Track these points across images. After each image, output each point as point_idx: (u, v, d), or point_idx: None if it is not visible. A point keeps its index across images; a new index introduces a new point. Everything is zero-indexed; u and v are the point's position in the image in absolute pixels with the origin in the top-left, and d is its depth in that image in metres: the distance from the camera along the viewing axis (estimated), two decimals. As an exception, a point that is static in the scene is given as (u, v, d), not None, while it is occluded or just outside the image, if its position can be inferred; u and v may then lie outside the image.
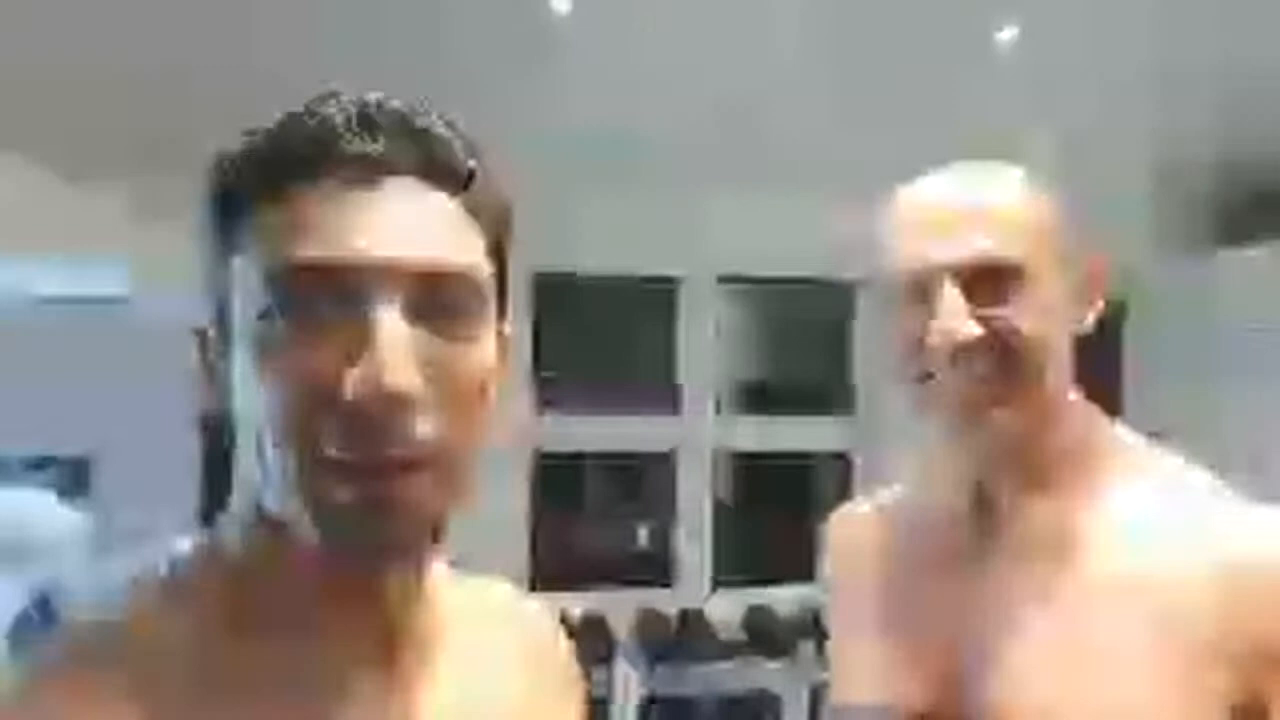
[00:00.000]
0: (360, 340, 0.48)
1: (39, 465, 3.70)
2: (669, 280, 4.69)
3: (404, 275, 0.49)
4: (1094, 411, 0.85)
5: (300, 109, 0.52)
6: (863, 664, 0.88)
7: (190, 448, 3.97)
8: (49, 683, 0.49)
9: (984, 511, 0.84)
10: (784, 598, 4.39)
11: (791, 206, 3.87)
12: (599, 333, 4.68)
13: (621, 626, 4.27)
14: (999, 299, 0.77)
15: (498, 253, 0.56)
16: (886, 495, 0.99)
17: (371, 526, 0.49)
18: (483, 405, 0.53)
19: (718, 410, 4.76)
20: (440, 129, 0.53)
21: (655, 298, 4.71)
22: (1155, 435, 0.84)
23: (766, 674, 4.08)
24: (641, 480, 4.84)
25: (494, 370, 0.55)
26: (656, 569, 4.71)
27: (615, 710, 3.63)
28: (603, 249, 4.37)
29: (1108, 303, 0.85)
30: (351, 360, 0.47)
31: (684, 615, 4.43)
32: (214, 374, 0.55)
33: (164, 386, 3.85)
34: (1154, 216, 4.31)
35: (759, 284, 4.84)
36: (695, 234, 4.38)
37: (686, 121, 3.41)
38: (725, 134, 3.55)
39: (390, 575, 0.56)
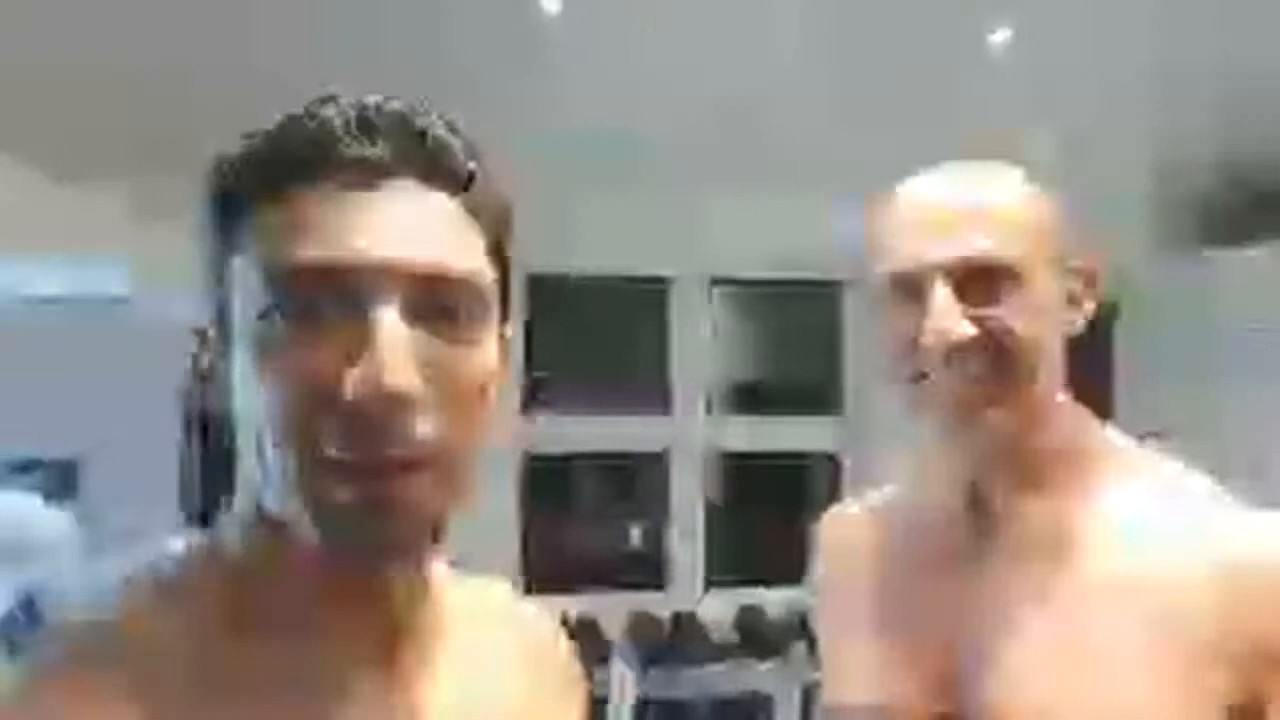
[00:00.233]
0: (360, 340, 0.48)
1: (24, 468, 3.69)
2: (661, 280, 4.68)
3: (404, 276, 0.49)
4: (1083, 413, 0.85)
5: (300, 111, 0.52)
6: (857, 664, 0.88)
7: (182, 449, 3.97)
8: (48, 682, 0.49)
9: (979, 511, 0.83)
10: (776, 599, 4.39)
11: (790, 207, 3.87)
12: (591, 333, 4.67)
13: (614, 628, 4.26)
14: (992, 299, 0.77)
15: (498, 254, 0.56)
16: (878, 496, 0.99)
17: (371, 526, 0.49)
18: (483, 407, 0.54)
19: (709, 410, 4.75)
20: (440, 131, 0.54)
21: (647, 298, 4.70)
22: (1154, 435, 0.84)
23: (759, 675, 4.08)
24: (633, 481, 4.83)
25: (495, 373, 0.55)
26: (649, 570, 4.70)
27: (611, 711, 3.62)
28: (598, 249, 4.36)
29: (1100, 304, 0.85)
30: (351, 360, 0.47)
31: (677, 617, 4.43)
32: (214, 374, 0.55)
33: (161, 387, 3.85)
34: (1154, 216, 4.31)
35: (750, 285, 4.84)
36: (692, 234, 4.37)
37: (684, 121, 3.41)
38: (723, 134, 3.55)
39: (391, 575, 0.56)
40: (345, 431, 0.48)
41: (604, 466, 4.85)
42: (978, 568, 0.82)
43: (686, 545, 4.69)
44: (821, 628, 0.98)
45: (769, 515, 4.79)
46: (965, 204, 0.79)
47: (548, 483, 4.67)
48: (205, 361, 0.56)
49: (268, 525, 0.53)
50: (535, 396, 4.47)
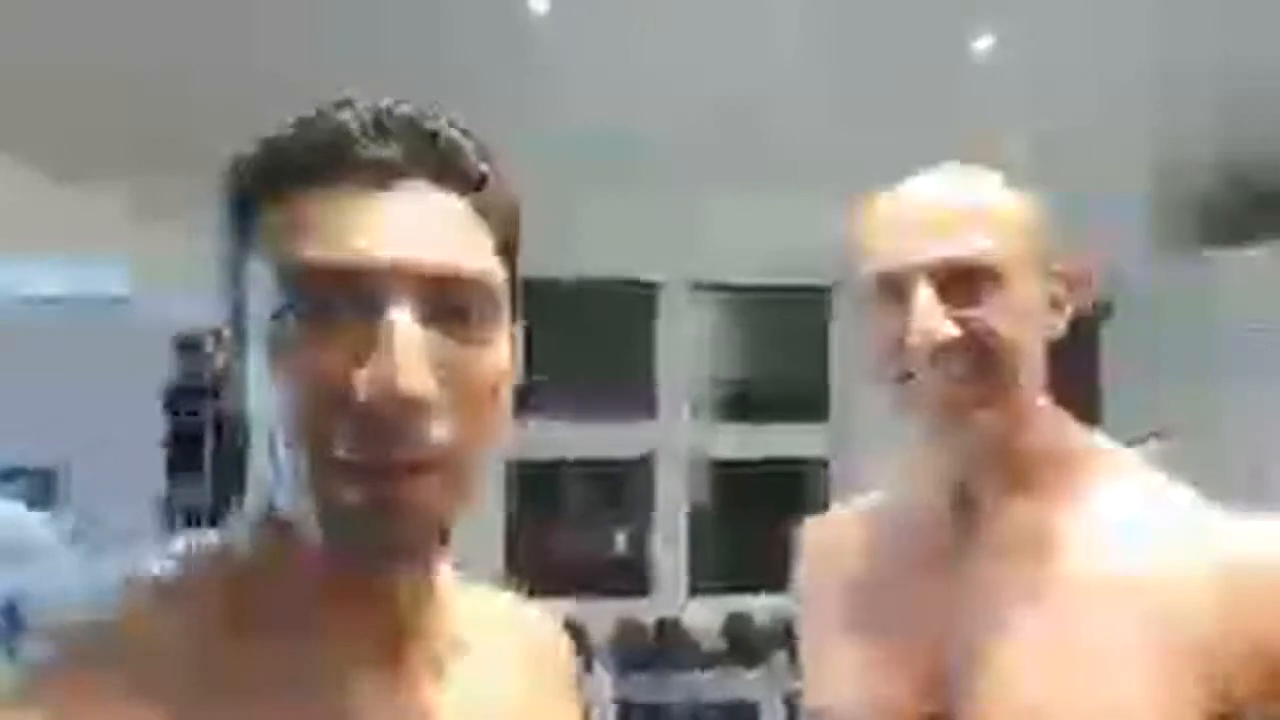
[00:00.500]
0: (373, 342, 0.48)
1: (8, 476, 3.69)
2: (649, 285, 4.67)
3: (415, 276, 0.49)
4: (1064, 417, 0.85)
5: (314, 114, 0.52)
6: (842, 666, 0.88)
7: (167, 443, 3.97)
8: (48, 682, 0.49)
9: (966, 511, 0.83)
10: (763, 606, 4.38)
11: (789, 207, 3.87)
12: (578, 337, 4.66)
13: (599, 635, 4.25)
14: (974, 300, 0.77)
15: (508, 254, 0.57)
16: (864, 501, 0.99)
17: (379, 528, 0.49)
18: (494, 408, 0.54)
19: (695, 415, 4.74)
20: (451, 132, 0.54)
21: (635, 302, 4.69)
22: (1155, 435, 0.85)
23: (744, 683, 4.07)
24: (619, 486, 4.82)
25: (506, 373, 0.55)
26: (634, 576, 4.69)
27: (596, 716, 3.62)
28: (593, 251, 4.36)
29: (1094, 304, 0.85)
30: (364, 361, 0.48)
31: (661, 624, 4.42)
32: (229, 374, 0.55)
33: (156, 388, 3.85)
34: (1154, 216, 4.31)
35: (737, 291, 4.83)
36: (688, 236, 4.36)
37: (682, 122, 3.41)
38: (722, 134, 3.55)
39: (398, 577, 0.56)
40: (357, 433, 0.48)
41: (589, 473, 4.84)
42: (965, 567, 0.82)
43: (671, 551, 4.67)
44: (805, 631, 0.97)
45: (755, 521, 4.77)
46: (948, 205, 0.79)
47: (533, 488, 4.65)
48: (220, 361, 0.56)
49: (276, 525, 0.53)
50: (523, 401, 4.44)
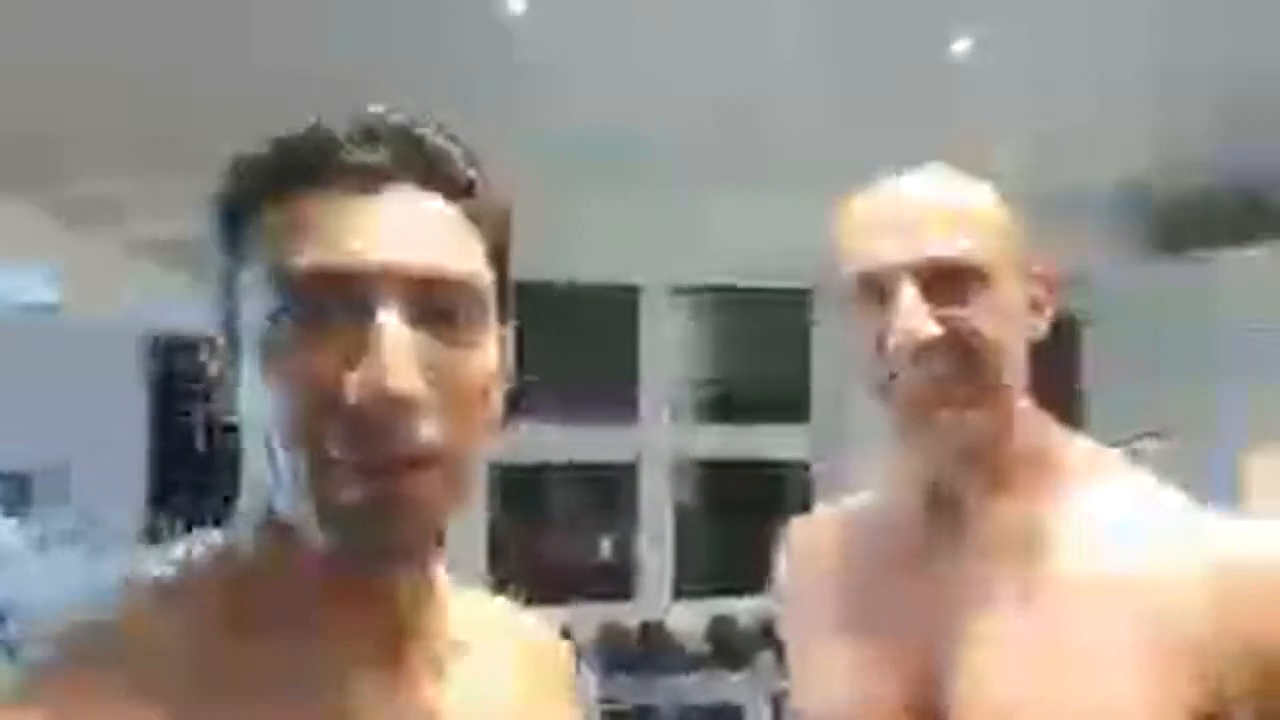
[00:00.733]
0: (364, 344, 0.48)
1: None
2: (631, 289, 4.67)
3: (405, 280, 0.50)
4: (1046, 419, 0.86)
5: (304, 124, 0.54)
6: (827, 667, 0.88)
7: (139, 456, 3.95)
8: (48, 683, 0.49)
9: (948, 511, 0.83)
10: (747, 608, 4.38)
11: (790, 207, 3.87)
12: (562, 340, 4.66)
13: (583, 638, 4.25)
14: (958, 300, 0.77)
15: (498, 258, 0.57)
16: (849, 502, 0.99)
17: (378, 526, 0.50)
18: (485, 409, 0.55)
19: (675, 418, 4.75)
20: (438, 138, 0.55)
21: (618, 306, 4.69)
22: (1153, 435, 0.85)
23: (729, 685, 4.07)
24: (603, 490, 4.81)
25: (495, 375, 0.56)
26: (618, 579, 4.69)
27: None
28: (588, 254, 4.36)
29: (1066, 309, 0.85)
30: (355, 364, 0.48)
31: (645, 627, 4.42)
32: (223, 380, 0.56)
33: (110, 396, 3.83)
34: (1153, 216, 4.31)
35: (719, 292, 4.84)
36: (686, 237, 4.36)
37: (682, 122, 3.41)
38: (721, 134, 3.55)
39: (396, 577, 0.57)
40: (349, 434, 0.48)
41: (573, 477, 4.84)
42: (951, 568, 0.82)
43: (655, 554, 4.67)
44: (789, 632, 0.98)
45: (739, 523, 4.78)
46: (932, 205, 0.79)
47: (516, 492, 4.64)
48: (214, 368, 0.57)
49: (275, 528, 0.53)
50: (511, 405, 4.43)
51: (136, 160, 3.32)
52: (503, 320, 0.59)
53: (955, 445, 0.80)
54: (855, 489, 1.00)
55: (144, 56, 2.72)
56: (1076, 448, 0.84)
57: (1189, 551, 0.72)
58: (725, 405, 4.89)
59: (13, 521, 2.72)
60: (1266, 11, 2.64)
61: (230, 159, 0.55)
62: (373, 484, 0.49)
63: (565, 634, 0.78)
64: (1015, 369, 0.81)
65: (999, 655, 0.75)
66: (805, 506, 1.08)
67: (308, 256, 0.50)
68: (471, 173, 0.56)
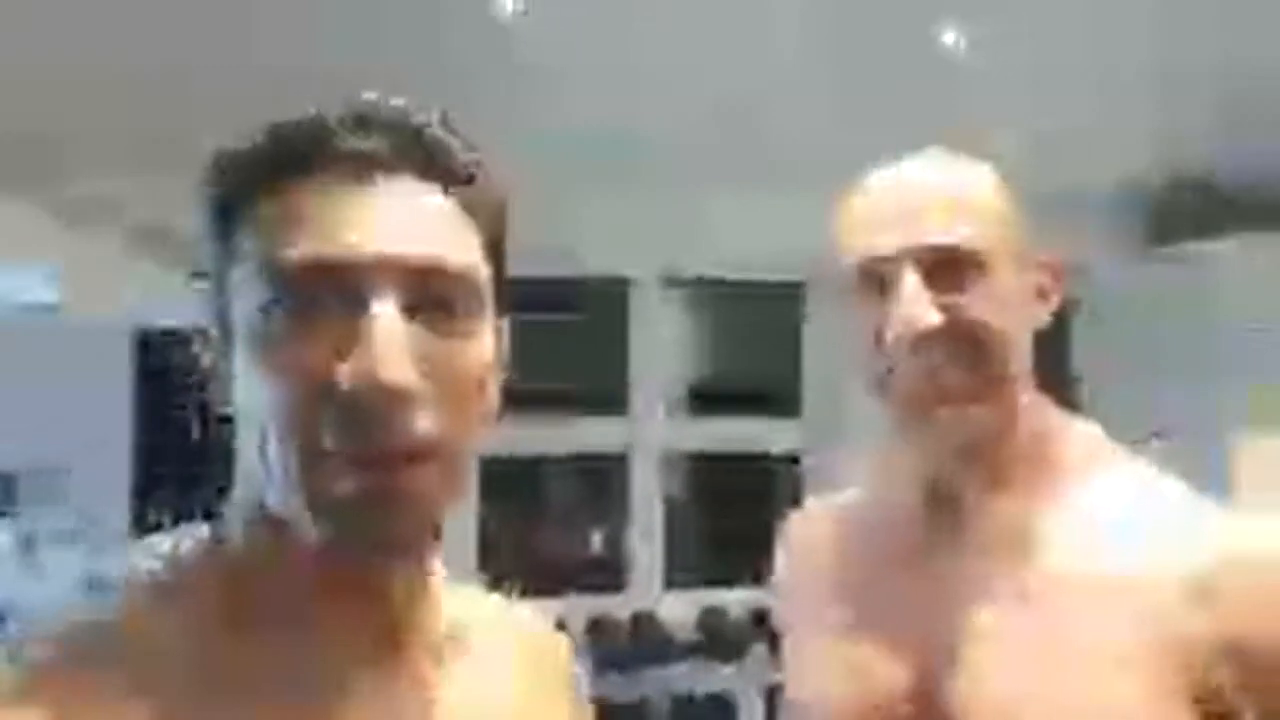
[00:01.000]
0: (356, 335, 0.48)
1: None
2: (622, 281, 4.66)
3: (400, 271, 0.50)
4: (1049, 408, 0.84)
5: (296, 113, 0.53)
6: (823, 660, 0.87)
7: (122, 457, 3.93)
8: (46, 682, 0.49)
9: (946, 508, 0.83)
10: (738, 600, 4.38)
11: (790, 207, 3.86)
12: (551, 334, 4.64)
13: (574, 630, 4.23)
14: (960, 288, 0.76)
15: (494, 249, 0.57)
16: (846, 495, 0.98)
17: (373, 520, 0.49)
18: (480, 401, 0.54)
19: (669, 412, 4.74)
20: (435, 127, 0.54)
21: (609, 299, 4.68)
22: (1155, 435, 0.84)
23: (721, 677, 4.06)
24: (594, 483, 4.79)
25: (491, 366, 0.55)
26: (609, 571, 4.67)
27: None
28: (589, 252, 4.35)
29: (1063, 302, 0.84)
30: (347, 355, 0.48)
31: (636, 618, 4.41)
32: (216, 373, 0.55)
33: (111, 396, 3.81)
34: (1152, 215, 4.30)
35: (710, 286, 4.81)
36: (687, 236, 4.35)
37: (682, 122, 3.41)
38: (721, 134, 3.54)
39: (392, 572, 0.56)
40: (343, 425, 0.48)
41: (563, 469, 4.82)
42: (949, 565, 0.81)
43: (646, 546, 4.66)
44: (787, 624, 0.97)
45: (730, 515, 4.78)
46: (934, 193, 0.78)
47: (507, 485, 4.62)
48: (206, 360, 0.56)
49: (269, 523, 0.53)
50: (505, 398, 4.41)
51: (136, 160, 3.31)
52: (499, 313, 0.58)
53: (956, 443, 0.79)
54: (845, 483, 1.00)
55: (144, 56, 2.71)
56: (1077, 436, 0.83)
57: (1189, 549, 0.72)
58: (716, 398, 4.88)
59: (12, 522, 2.72)
60: (1266, 11, 2.64)
61: (219, 149, 0.54)
62: (367, 476, 0.48)
63: (559, 626, 0.77)
64: (1019, 359, 0.79)
65: (999, 653, 0.75)
66: (795, 500, 1.08)
67: (302, 248, 0.49)
68: (468, 161, 0.55)
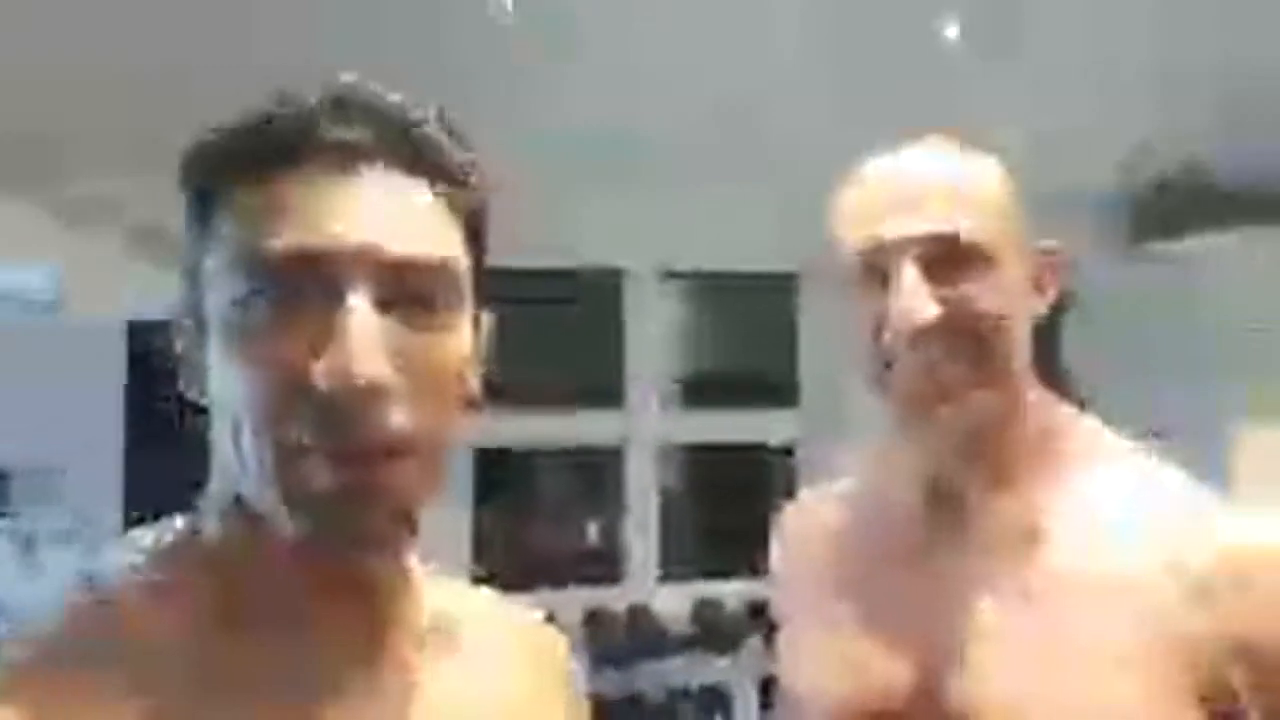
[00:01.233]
0: (331, 329, 0.47)
1: None
2: (616, 273, 4.65)
3: (379, 264, 0.49)
4: (1052, 401, 0.83)
5: (277, 101, 0.52)
6: (820, 653, 0.87)
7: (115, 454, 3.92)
8: (31, 681, 0.49)
9: (950, 507, 0.82)
10: (734, 592, 4.38)
11: (790, 207, 3.86)
12: (546, 326, 4.62)
13: (569, 623, 4.23)
14: (960, 279, 0.74)
15: (476, 243, 0.56)
16: (843, 487, 0.97)
17: (349, 514, 0.49)
18: (459, 395, 0.54)
19: (664, 404, 4.73)
20: (419, 118, 0.54)
21: (602, 291, 4.67)
22: (1155, 435, 0.84)
23: (715, 669, 4.06)
24: (589, 475, 4.79)
25: (469, 360, 0.55)
26: (604, 564, 4.67)
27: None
28: (588, 250, 4.35)
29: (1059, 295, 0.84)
30: (322, 349, 0.47)
31: (632, 611, 4.40)
32: (190, 364, 0.55)
33: (110, 396, 3.80)
34: (1148, 213, 4.30)
35: (706, 278, 4.81)
36: (686, 235, 4.35)
37: (684, 122, 3.40)
38: (722, 134, 3.54)
39: (373, 567, 0.56)
40: (318, 420, 0.47)
41: (558, 462, 4.82)
42: (952, 562, 0.80)
43: (641, 538, 4.66)
44: (783, 616, 0.97)
45: (725, 508, 4.78)
46: (934, 182, 0.77)
47: (502, 478, 4.61)
48: (180, 348, 0.56)
49: (247, 518, 0.52)
50: (494, 390, 4.39)
51: (136, 160, 3.30)
52: (479, 305, 0.58)
53: (958, 438, 0.78)
54: (840, 475, 0.99)
55: (144, 56, 2.71)
56: (1080, 430, 0.82)
57: (1189, 547, 0.71)
58: (711, 391, 4.87)
59: (9, 521, 2.72)
60: (1266, 11, 2.64)
61: (197, 140, 0.53)
62: (344, 472, 0.48)
63: (549, 618, 0.77)
64: (1020, 353, 0.78)
65: (1002, 651, 0.75)
66: (791, 492, 1.07)
67: (285, 238, 0.48)
68: (451, 154, 0.54)
